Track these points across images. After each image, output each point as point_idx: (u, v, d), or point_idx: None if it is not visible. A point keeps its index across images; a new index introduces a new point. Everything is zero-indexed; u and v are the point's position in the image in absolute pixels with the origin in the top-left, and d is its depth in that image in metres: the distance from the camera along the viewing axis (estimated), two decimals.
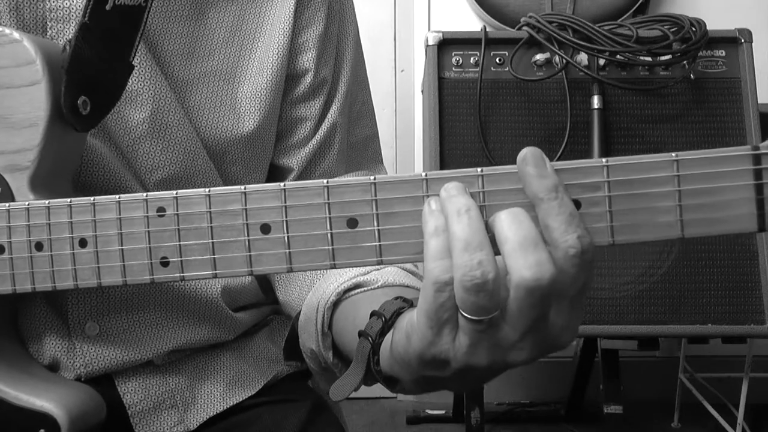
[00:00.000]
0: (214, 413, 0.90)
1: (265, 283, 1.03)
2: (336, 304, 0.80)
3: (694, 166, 0.54)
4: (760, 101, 1.79)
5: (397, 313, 0.64)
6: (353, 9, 1.03)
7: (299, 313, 0.86)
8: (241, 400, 0.92)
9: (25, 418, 0.74)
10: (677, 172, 0.54)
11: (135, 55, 0.79)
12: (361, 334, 0.65)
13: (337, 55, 1.00)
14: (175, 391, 0.89)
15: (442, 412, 2.66)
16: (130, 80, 0.82)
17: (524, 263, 0.52)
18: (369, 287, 0.80)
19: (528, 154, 0.55)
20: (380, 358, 0.64)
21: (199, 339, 0.90)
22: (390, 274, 0.82)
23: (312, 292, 0.85)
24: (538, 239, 0.53)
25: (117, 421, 0.85)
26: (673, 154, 0.54)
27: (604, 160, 0.55)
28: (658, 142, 1.80)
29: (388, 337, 0.63)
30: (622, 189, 0.55)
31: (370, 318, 0.66)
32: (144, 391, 0.87)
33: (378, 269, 0.83)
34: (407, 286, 0.80)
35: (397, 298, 0.66)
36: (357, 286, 0.80)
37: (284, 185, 0.60)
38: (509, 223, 0.54)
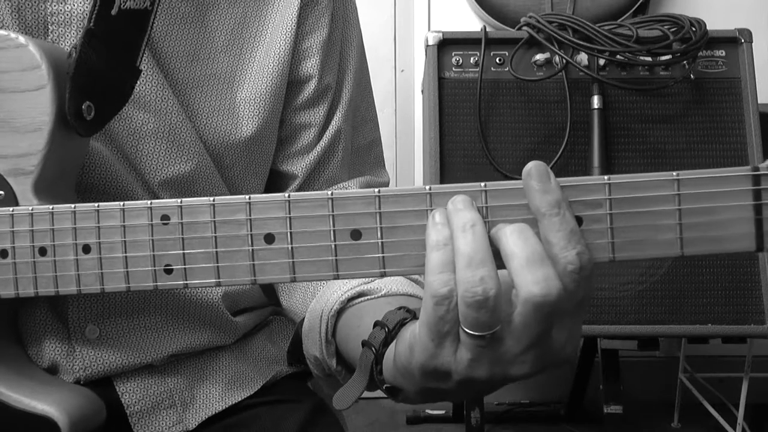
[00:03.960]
0: (213, 413, 0.90)
1: (266, 285, 1.03)
2: (340, 312, 0.80)
3: (694, 186, 0.55)
4: (760, 101, 1.79)
5: (401, 324, 0.64)
6: (357, 14, 1.03)
7: (303, 320, 0.86)
8: (239, 399, 0.92)
9: (26, 422, 0.74)
10: (678, 191, 0.55)
11: (142, 59, 0.79)
12: (364, 344, 0.66)
13: (340, 61, 1.00)
14: (174, 391, 0.89)
15: (442, 412, 2.66)
16: None
17: (532, 279, 0.52)
18: (372, 296, 0.80)
19: (533, 168, 0.55)
20: (383, 368, 0.64)
21: (199, 343, 0.90)
22: (393, 282, 0.82)
23: (316, 299, 0.86)
24: (544, 255, 0.53)
25: (116, 421, 0.85)
26: (674, 173, 0.55)
27: (606, 177, 0.56)
28: (658, 142, 1.80)
29: (391, 347, 0.63)
30: (624, 207, 0.56)
31: (373, 328, 0.66)
32: (142, 391, 0.87)
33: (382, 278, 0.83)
34: (410, 295, 0.80)
35: (400, 308, 0.67)
36: (360, 294, 0.80)
37: (289, 196, 0.61)
38: (515, 239, 0.54)
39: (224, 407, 0.91)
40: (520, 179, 0.57)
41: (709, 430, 2.45)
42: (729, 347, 2.29)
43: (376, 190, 0.59)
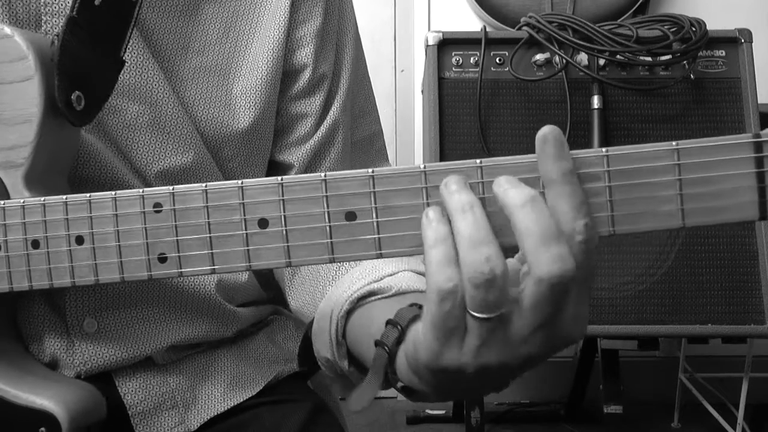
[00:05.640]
0: (215, 414, 0.90)
1: (264, 279, 1.02)
2: (349, 312, 0.79)
3: (694, 155, 0.54)
4: (760, 101, 1.80)
5: (413, 321, 0.63)
6: (352, 6, 1.03)
7: (312, 321, 0.85)
8: (241, 400, 0.92)
9: (26, 417, 0.73)
10: (678, 161, 0.54)
11: (126, 50, 0.78)
12: (377, 343, 0.64)
13: (337, 52, 0.99)
14: (176, 391, 0.89)
15: (442, 412, 2.66)
16: (127, 74, 0.81)
17: (549, 257, 0.51)
18: (383, 295, 0.78)
19: (549, 133, 0.54)
20: (397, 368, 0.63)
21: (197, 334, 0.90)
22: (404, 279, 0.80)
23: (325, 299, 0.84)
24: (558, 231, 0.52)
25: (118, 421, 0.84)
26: (674, 143, 0.54)
27: (603, 149, 0.55)
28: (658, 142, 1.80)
29: (403, 346, 0.62)
30: (623, 179, 0.55)
31: (385, 327, 0.64)
32: (144, 392, 0.87)
33: (391, 275, 0.81)
34: (422, 291, 0.79)
35: (412, 305, 0.65)
36: (371, 293, 0.79)
37: (281, 179, 0.60)
38: (528, 212, 0.52)
39: (226, 408, 0.91)
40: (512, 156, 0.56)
41: (709, 430, 2.45)
42: (729, 347, 2.28)
43: (370, 170, 0.58)
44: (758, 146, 0.53)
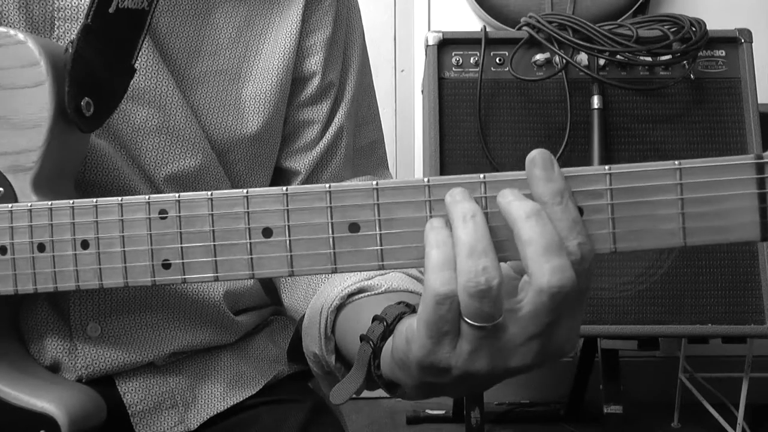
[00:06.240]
0: (215, 413, 0.90)
1: (267, 284, 1.03)
2: (339, 308, 0.80)
3: (697, 175, 0.54)
4: (760, 101, 1.80)
5: (399, 318, 0.64)
6: (360, 16, 1.04)
7: (303, 317, 0.86)
8: (241, 400, 0.92)
9: (26, 419, 0.74)
10: (680, 180, 0.54)
11: (137, 58, 0.79)
12: (362, 338, 0.65)
13: (344, 61, 1.00)
14: (176, 391, 0.89)
15: (442, 412, 2.66)
16: (137, 78, 0.82)
17: (550, 268, 0.52)
18: (372, 292, 0.80)
19: (537, 156, 0.55)
20: (381, 363, 0.64)
21: (200, 341, 0.90)
22: (394, 279, 0.82)
23: (316, 296, 0.85)
24: (561, 243, 0.53)
25: (117, 421, 0.85)
26: (676, 162, 0.54)
27: (606, 167, 0.55)
28: (658, 142, 1.80)
29: (389, 342, 0.63)
30: (625, 197, 0.55)
31: (372, 322, 0.66)
32: (144, 391, 0.87)
33: (382, 274, 0.83)
34: (411, 292, 0.80)
35: (399, 303, 0.66)
36: (361, 290, 0.80)
37: (286, 189, 0.60)
38: (533, 225, 0.53)
39: (226, 407, 0.91)
40: (515, 172, 0.56)
41: (709, 430, 2.45)
42: (729, 347, 2.28)
43: (374, 182, 0.59)
44: (760, 167, 0.53)
